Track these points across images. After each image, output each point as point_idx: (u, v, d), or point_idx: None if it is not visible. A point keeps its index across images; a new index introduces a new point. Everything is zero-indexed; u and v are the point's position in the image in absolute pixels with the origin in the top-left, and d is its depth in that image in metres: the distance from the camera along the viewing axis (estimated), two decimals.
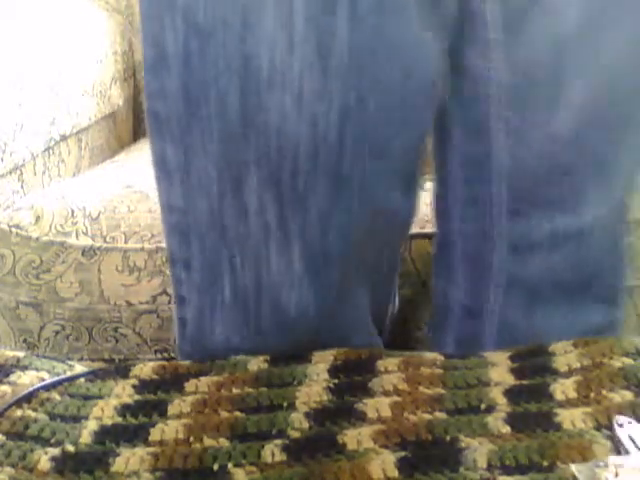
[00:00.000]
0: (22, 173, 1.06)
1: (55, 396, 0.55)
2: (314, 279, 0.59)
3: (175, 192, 0.59)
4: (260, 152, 0.56)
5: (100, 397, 0.55)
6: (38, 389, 0.55)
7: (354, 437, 0.48)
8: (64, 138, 1.16)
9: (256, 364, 0.58)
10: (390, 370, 0.56)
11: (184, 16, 0.54)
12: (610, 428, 0.46)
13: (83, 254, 0.91)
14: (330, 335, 0.62)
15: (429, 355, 0.58)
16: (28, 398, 0.54)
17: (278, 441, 0.48)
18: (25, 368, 0.58)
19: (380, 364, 0.57)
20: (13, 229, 0.94)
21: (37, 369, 0.58)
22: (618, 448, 0.44)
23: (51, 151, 1.14)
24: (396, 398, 0.52)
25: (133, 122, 1.47)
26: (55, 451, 0.49)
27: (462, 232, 0.71)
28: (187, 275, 0.61)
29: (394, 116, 0.58)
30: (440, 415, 0.50)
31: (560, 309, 0.70)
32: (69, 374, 0.58)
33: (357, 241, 0.60)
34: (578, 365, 0.53)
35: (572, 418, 0.48)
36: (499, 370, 0.55)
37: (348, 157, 0.57)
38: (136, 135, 1.48)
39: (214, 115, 0.55)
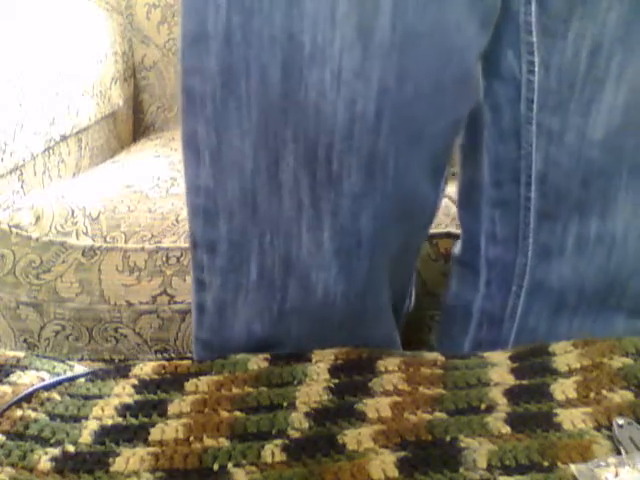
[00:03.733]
0: (22, 173, 1.06)
1: (55, 396, 0.55)
2: (344, 262, 0.59)
3: (204, 172, 0.58)
4: (298, 129, 0.55)
5: (100, 397, 0.55)
6: (38, 389, 0.55)
7: (354, 437, 0.48)
8: (64, 138, 1.17)
9: (256, 363, 0.58)
10: (390, 370, 0.56)
11: None
12: (610, 428, 0.46)
13: (83, 254, 0.91)
14: (352, 324, 0.61)
15: (429, 355, 0.58)
16: (28, 398, 0.54)
17: (278, 441, 0.48)
18: (25, 368, 0.58)
19: (380, 364, 0.57)
20: (13, 229, 0.94)
21: (37, 369, 0.58)
22: (618, 448, 0.44)
23: (51, 151, 1.14)
24: (396, 398, 0.52)
25: (133, 122, 1.47)
26: (55, 451, 0.49)
27: (489, 234, 0.70)
28: (210, 258, 0.60)
29: (431, 101, 0.57)
30: (440, 415, 0.50)
31: (585, 317, 0.69)
32: (69, 374, 0.58)
33: (387, 227, 0.60)
34: (578, 365, 0.53)
35: (572, 418, 0.48)
36: (499, 370, 0.55)
37: (384, 139, 0.56)
38: (136, 135, 1.48)
39: (254, 92, 0.55)
